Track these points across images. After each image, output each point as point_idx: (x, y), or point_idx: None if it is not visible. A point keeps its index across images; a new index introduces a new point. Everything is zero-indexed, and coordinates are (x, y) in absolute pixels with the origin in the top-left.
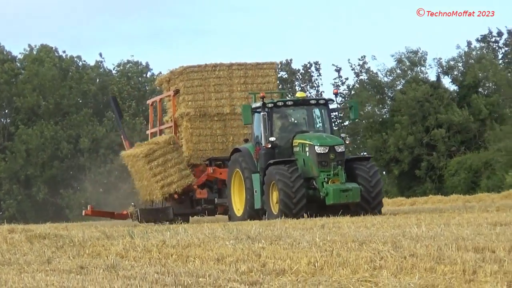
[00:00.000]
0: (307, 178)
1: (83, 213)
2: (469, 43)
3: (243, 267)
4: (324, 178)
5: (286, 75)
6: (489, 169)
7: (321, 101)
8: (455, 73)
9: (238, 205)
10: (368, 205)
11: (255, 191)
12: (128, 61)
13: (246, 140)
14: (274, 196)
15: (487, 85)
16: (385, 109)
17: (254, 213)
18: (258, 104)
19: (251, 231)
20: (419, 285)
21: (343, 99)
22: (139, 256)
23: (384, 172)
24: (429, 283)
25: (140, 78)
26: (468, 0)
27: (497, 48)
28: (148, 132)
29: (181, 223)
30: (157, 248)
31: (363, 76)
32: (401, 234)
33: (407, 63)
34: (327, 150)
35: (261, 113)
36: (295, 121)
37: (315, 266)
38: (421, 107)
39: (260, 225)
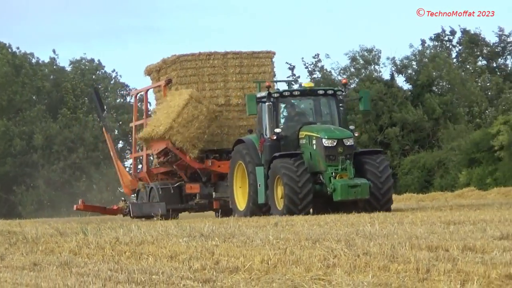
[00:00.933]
0: (313, 173)
1: (74, 208)
2: (423, 42)
3: (196, 264)
4: (332, 173)
5: None
6: (442, 168)
7: (330, 91)
8: (409, 72)
9: (240, 199)
10: (377, 201)
11: (259, 185)
12: (82, 58)
13: (250, 131)
14: (279, 190)
15: (441, 84)
16: None
17: (258, 208)
18: (263, 93)
19: (204, 229)
20: (372, 284)
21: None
22: (92, 253)
23: None
24: (382, 282)
25: (94, 76)
26: (468, 0)
27: (450, 47)
28: (132, 124)
29: (173, 218)
30: (110, 245)
31: (317, 75)
32: (354, 233)
33: (361, 62)
34: (335, 143)
35: (266, 103)
36: (302, 112)
37: (268, 264)
38: (375, 105)
39: (214, 222)
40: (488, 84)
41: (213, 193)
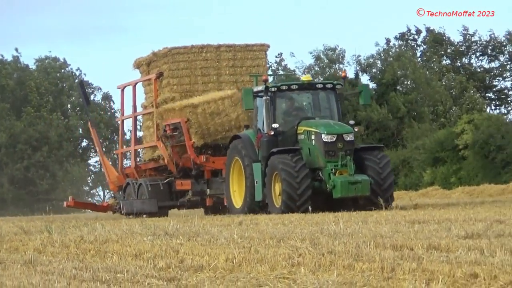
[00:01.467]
0: (312, 169)
1: (65, 205)
2: (387, 41)
3: (161, 263)
4: (331, 169)
5: None
6: (407, 167)
7: (329, 85)
8: (374, 70)
9: (237, 197)
10: (378, 194)
11: (256, 181)
12: (47, 57)
13: (246, 127)
14: (277, 187)
15: (406, 83)
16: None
17: (255, 205)
18: (261, 87)
19: (169, 227)
20: (337, 282)
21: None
22: (57, 252)
23: None
24: (347, 280)
25: (58, 74)
26: (468, 0)
27: (415, 46)
28: (118, 120)
29: (163, 215)
30: (75, 244)
31: (280, 73)
32: (319, 231)
33: (326, 61)
34: (334, 139)
35: (264, 98)
36: (300, 107)
37: (233, 263)
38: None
39: (178, 221)
40: (452, 83)
41: (207, 190)
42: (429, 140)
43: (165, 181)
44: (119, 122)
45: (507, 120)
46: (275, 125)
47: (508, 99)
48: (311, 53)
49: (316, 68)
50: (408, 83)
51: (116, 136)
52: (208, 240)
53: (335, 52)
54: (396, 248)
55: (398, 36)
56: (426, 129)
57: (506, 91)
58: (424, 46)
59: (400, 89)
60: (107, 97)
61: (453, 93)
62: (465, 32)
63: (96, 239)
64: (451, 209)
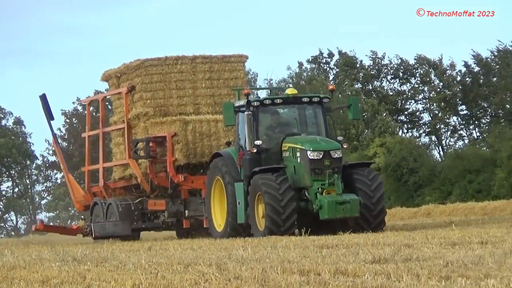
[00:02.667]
0: (298, 188)
1: (33, 228)
2: (300, 64)
3: None
4: (318, 188)
5: None
6: None
7: (315, 99)
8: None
9: (219, 218)
10: (367, 224)
11: (238, 202)
12: None
13: (228, 144)
14: (260, 209)
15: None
16: None
17: (237, 228)
18: (242, 102)
19: (77, 253)
20: None
21: None
22: None
23: None
24: None
25: None
26: (468, 0)
27: (328, 69)
28: (85, 135)
29: (134, 238)
30: None
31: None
32: (227, 257)
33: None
34: (321, 156)
35: (245, 113)
36: (285, 122)
37: None
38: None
39: (87, 247)
40: (364, 106)
41: (185, 211)
42: None
43: (136, 201)
44: (85, 137)
45: (419, 143)
46: (258, 142)
47: (420, 122)
48: None
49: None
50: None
51: (28, 162)
52: (116, 266)
53: (247, 75)
54: (303, 273)
55: (310, 60)
56: None
57: (418, 113)
58: (337, 70)
59: None
60: (18, 122)
61: (365, 116)
62: (374, 56)
63: (4, 266)
64: (360, 233)
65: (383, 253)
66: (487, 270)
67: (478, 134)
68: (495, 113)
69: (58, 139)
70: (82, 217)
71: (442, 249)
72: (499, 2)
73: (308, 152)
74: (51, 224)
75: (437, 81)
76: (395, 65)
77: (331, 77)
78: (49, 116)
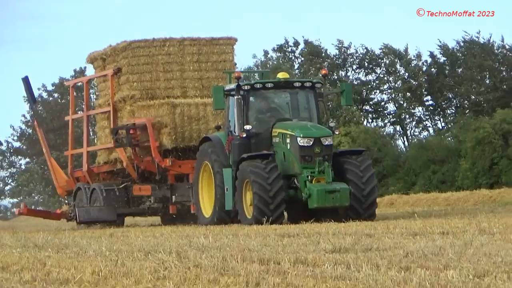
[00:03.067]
0: (287, 176)
1: (16, 212)
2: (265, 53)
3: (27, 275)
4: (307, 176)
5: None
6: None
7: (307, 84)
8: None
9: (207, 205)
10: (360, 206)
11: (226, 188)
12: None
13: (218, 128)
14: (248, 197)
15: None
16: None
17: (225, 214)
18: (232, 86)
19: (39, 239)
20: None
21: None
22: None
23: None
24: None
25: None
26: (468, 0)
27: (293, 58)
28: (68, 118)
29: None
30: None
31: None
32: (187, 244)
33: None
34: (311, 143)
35: (235, 97)
36: (276, 107)
37: (99, 276)
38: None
39: (49, 233)
40: (329, 96)
41: (172, 196)
42: None
43: (121, 186)
44: (69, 120)
45: (384, 133)
46: (247, 127)
47: (385, 112)
48: None
49: None
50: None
51: None
52: (77, 253)
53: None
54: (263, 262)
55: (276, 48)
56: None
57: (383, 103)
58: (302, 59)
59: None
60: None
61: (330, 105)
62: (340, 45)
63: None
64: (321, 223)
65: (344, 242)
66: (447, 261)
67: (443, 124)
68: (460, 104)
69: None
70: (66, 201)
71: (403, 239)
72: (499, 2)
73: (298, 139)
74: (34, 208)
75: (403, 71)
76: (361, 55)
77: (296, 66)
78: (32, 99)
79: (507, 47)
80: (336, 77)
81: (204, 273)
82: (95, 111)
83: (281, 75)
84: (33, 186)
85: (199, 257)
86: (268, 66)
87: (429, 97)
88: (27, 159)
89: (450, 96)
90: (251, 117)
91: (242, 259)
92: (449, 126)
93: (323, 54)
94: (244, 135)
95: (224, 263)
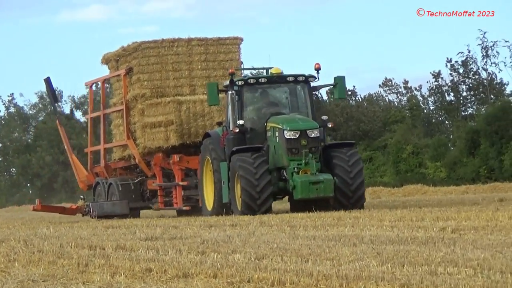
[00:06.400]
0: (278, 168)
1: (32, 209)
2: (97, 84)
3: None
4: (294, 168)
5: None
6: None
7: (300, 78)
8: (85, 107)
9: (209, 198)
10: (346, 199)
11: (223, 182)
12: None
13: (219, 124)
14: (239, 189)
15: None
16: (29, 135)
17: (224, 207)
18: (227, 82)
19: None
20: (42, 275)
21: None
22: None
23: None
24: (50, 273)
25: None
26: (468, 0)
27: None
28: (88, 116)
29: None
30: None
31: (12, 109)
32: (33, 234)
33: (47, 100)
34: (297, 135)
35: (229, 92)
36: (270, 102)
37: None
38: (58, 134)
39: None
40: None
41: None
42: None
43: (136, 181)
44: (88, 118)
45: None
46: (240, 122)
47: None
48: (36, 93)
49: (40, 105)
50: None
51: None
52: None
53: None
54: (91, 248)
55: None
56: None
57: None
58: None
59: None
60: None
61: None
62: None
63: None
64: (137, 218)
65: (155, 232)
66: (234, 247)
67: None
68: None
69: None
70: (82, 197)
71: (201, 230)
72: (499, 2)
73: (285, 132)
74: (50, 204)
75: None
76: None
77: None
78: (53, 99)
79: None
80: None
81: (45, 256)
82: (110, 110)
83: (274, 70)
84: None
85: (42, 244)
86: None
87: None
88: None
89: None
90: (246, 112)
91: (75, 245)
92: None
93: None
94: (237, 130)
95: (61, 248)
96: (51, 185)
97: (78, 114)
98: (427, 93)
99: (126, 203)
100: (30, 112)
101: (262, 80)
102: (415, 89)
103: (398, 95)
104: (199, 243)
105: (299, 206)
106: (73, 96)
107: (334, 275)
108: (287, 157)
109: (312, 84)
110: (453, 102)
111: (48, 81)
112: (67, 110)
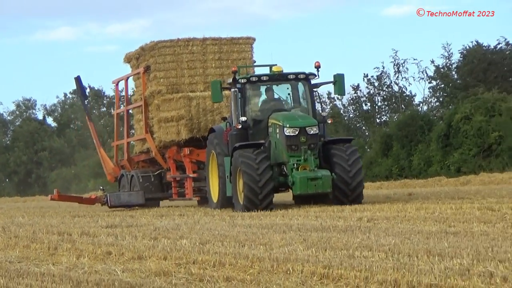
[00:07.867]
0: (279, 164)
1: (49, 198)
2: (65, 94)
3: None
4: (294, 164)
5: None
6: (77, 178)
7: (301, 76)
8: (56, 114)
9: (215, 190)
10: (345, 196)
11: (227, 176)
12: None
13: (224, 119)
14: (240, 184)
15: (77, 123)
16: (7, 138)
17: (227, 201)
18: (230, 79)
19: None
20: (18, 257)
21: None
22: None
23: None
24: (25, 256)
25: None
26: (468, 0)
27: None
28: (114, 113)
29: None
30: None
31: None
32: (10, 222)
33: (23, 107)
34: (297, 132)
35: (232, 90)
36: (271, 99)
37: None
38: (32, 136)
39: None
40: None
41: (192, 182)
42: (91, 161)
43: (156, 173)
44: (114, 114)
45: None
46: (243, 118)
47: None
48: (13, 102)
49: (17, 112)
50: (78, 123)
51: None
52: None
53: (30, 101)
54: (60, 234)
55: (72, 92)
56: (90, 154)
57: None
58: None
59: (72, 126)
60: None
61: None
62: None
63: None
64: (100, 208)
65: (114, 221)
66: (182, 233)
67: None
68: None
69: None
70: (101, 187)
71: (154, 219)
72: (499, 2)
73: (285, 129)
74: (68, 194)
75: None
76: None
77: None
78: (83, 96)
79: None
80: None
81: (20, 241)
82: (132, 106)
83: (275, 68)
84: None
85: (18, 231)
86: (67, 102)
87: None
88: None
89: None
90: (248, 109)
91: (46, 232)
92: None
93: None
94: (239, 126)
95: (34, 234)
96: (26, 181)
97: (49, 120)
98: (347, 103)
99: (142, 194)
100: (9, 118)
101: (264, 78)
102: (337, 99)
103: (322, 104)
104: (152, 230)
105: (301, 199)
106: (45, 104)
107: (267, 258)
108: (287, 153)
109: (313, 81)
110: (370, 111)
111: (78, 79)
112: (40, 117)
